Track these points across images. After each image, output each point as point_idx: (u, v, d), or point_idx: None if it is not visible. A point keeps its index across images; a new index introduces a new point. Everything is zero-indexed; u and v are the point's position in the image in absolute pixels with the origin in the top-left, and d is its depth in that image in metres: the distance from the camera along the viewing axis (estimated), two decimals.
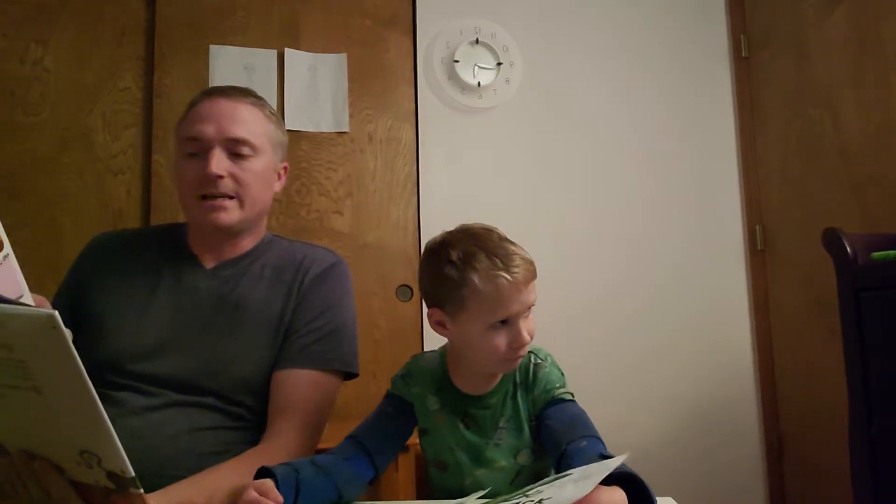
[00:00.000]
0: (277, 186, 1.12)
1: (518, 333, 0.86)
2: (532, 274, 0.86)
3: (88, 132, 2.00)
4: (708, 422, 2.19)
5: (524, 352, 0.89)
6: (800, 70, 2.09)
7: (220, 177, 0.99)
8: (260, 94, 1.11)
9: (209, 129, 1.00)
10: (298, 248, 1.14)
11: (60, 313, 0.98)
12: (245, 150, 1.02)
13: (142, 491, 0.62)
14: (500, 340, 0.86)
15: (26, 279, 0.77)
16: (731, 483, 2.16)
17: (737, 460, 2.18)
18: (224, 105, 1.03)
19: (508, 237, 0.90)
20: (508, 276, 0.83)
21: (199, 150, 1.01)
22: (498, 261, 0.84)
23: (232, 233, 1.06)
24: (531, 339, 0.88)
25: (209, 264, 1.08)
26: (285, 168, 1.15)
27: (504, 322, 0.86)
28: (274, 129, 1.09)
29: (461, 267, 0.84)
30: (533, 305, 0.88)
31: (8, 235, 0.76)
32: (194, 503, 0.81)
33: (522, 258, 0.86)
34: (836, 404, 1.61)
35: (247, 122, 1.03)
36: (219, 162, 0.99)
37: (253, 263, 1.09)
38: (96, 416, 0.58)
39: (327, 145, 2.12)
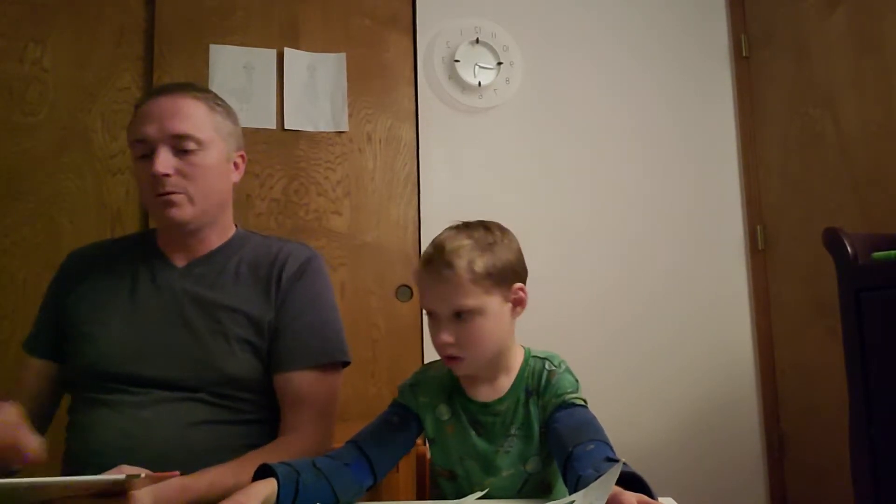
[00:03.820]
0: (236, 177, 1.13)
1: (435, 332, 0.86)
2: (452, 280, 0.82)
3: (87, 132, 1.99)
4: (708, 422, 2.19)
5: (449, 360, 0.87)
6: (800, 70, 2.09)
7: (167, 175, 1.00)
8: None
9: (151, 130, 1.01)
10: (273, 243, 1.15)
11: (45, 328, 0.98)
12: (190, 145, 1.02)
13: None
14: (431, 330, 0.88)
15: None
16: (732, 483, 2.15)
17: (737, 460, 2.18)
18: (165, 103, 1.03)
19: (499, 245, 0.87)
20: (423, 260, 0.86)
21: (147, 151, 1.02)
22: (432, 247, 0.86)
23: (191, 228, 1.07)
24: (462, 347, 0.85)
25: (180, 263, 1.09)
26: (242, 157, 1.15)
27: (429, 312, 0.87)
28: (222, 120, 1.09)
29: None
30: (468, 311, 0.83)
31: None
32: (224, 483, 0.84)
33: (450, 261, 0.82)
34: (837, 404, 1.61)
35: (189, 117, 1.03)
36: (164, 161, 1.00)
37: (228, 260, 1.09)
38: None
39: (325, 145, 2.12)
